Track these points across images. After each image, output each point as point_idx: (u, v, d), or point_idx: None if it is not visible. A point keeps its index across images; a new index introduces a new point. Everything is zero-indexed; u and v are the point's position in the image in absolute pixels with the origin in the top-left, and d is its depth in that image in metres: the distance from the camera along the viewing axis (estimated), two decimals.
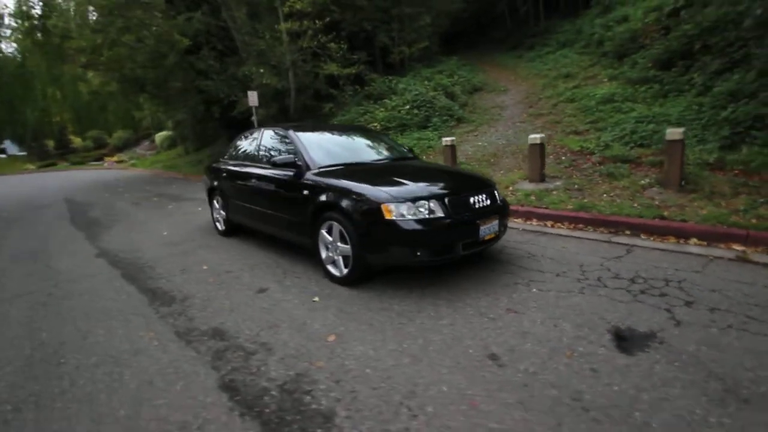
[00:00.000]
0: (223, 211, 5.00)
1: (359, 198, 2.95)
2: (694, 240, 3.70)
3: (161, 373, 2.14)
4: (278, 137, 4.14)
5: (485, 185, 3.34)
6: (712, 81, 7.76)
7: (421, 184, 3.07)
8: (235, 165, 4.74)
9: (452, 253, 2.94)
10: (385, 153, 4.19)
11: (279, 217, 3.85)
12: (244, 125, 15.38)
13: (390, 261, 2.96)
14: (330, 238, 3.22)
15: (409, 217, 2.81)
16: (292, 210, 3.63)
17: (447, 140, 7.34)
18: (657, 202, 4.49)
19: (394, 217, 2.80)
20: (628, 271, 3.13)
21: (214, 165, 5.30)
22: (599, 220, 4.35)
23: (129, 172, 21.72)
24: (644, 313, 2.47)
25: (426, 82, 13.51)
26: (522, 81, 14.55)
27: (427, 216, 2.84)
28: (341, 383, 1.95)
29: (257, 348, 2.33)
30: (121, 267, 4.10)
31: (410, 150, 4.62)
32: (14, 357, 2.44)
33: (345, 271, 3.14)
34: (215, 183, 5.12)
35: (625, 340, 2.18)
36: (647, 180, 5.15)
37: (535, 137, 5.96)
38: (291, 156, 3.63)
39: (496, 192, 3.37)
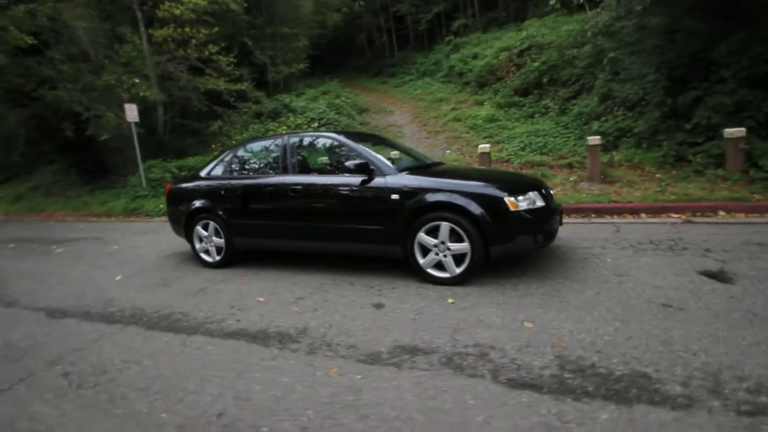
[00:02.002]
0: (219, 237, 4.16)
1: (482, 195, 3.05)
2: (643, 214, 5.02)
3: (449, 400, 1.85)
4: (322, 143, 3.80)
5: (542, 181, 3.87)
6: (564, 105, 10.34)
7: (514, 180, 3.37)
8: (245, 179, 4.06)
9: (554, 238, 3.33)
10: (421, 158, 4.31)
11: (345, 228, 3.52)
12: (95, 147, 12.47)
13: (512, 251, 3.15)
14: (434, 240, 3.19)
15: (527, 207, 3.08)
16: (370, 218, 3.40)
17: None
18: (597, 191, 5.84)
19: (518, 209, 3.03)
20: (641, 238, 4.07)
21: (193, 185, 4.38)
22: (570, 208, 5.39)
23: None
24: (697, 260, 3.32)
25: (321, 101, 13.60)
26: (401, 104, 16.07)
27: (538, 206, 3.16)
28: (625, 357, 2.06)
29: (483, 350, 2.21)
30: (128, 321, 3.04)
31: None
32: None
33: (457, 270, 3.15)
34: (200, 206, 4.22)
35: (716, 277, 2.95)
36: (574, 177, 6.61)
37: (485, 146, 6.91)
38: (363, 160, 3.41)
39: None
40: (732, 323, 2.28)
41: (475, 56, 15.74)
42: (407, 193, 3.24)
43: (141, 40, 10.80)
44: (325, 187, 3.60)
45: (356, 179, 3.45)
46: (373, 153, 3.56)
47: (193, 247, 4.38)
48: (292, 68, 15.84)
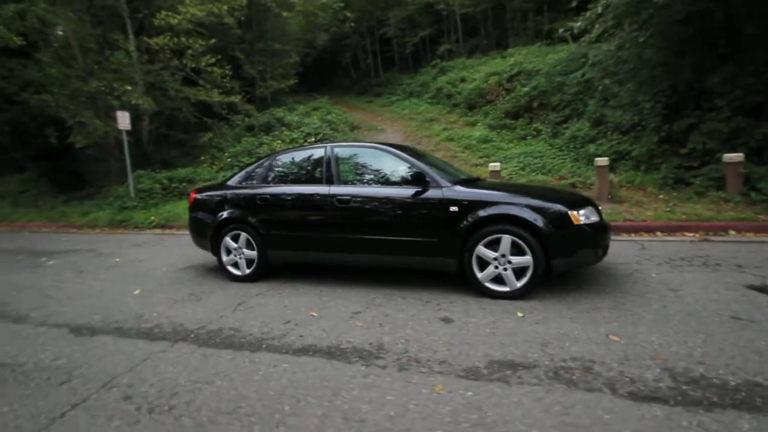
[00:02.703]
0: (251, 249, 3.95)
1: (545, 208, 3.07)
2: (659, 233, 5.22)
3: (581, 415, 1.77)
4: (367, 153, 3.74)
5: None
6: (555, 129, 10.78)
7: (569, 194, 3.42)
8: (285, 188, 3.91)
9: (607, 252, 3.38)
10: (457, 173, 4.31)
11: (395, 241, 3.42)
12: (72, 155, 11.78)
13: (574, 264, 3.17)
14: (494, 254, 3.15)
15: (587, 221, 3.12)
16: (424, 230, 3.32)
17: None
18: (609, 211, 6.04)
19: (580, 222, 3.06)
20: (670, 255, 4.21)
21: (222, 193, 4.16)
22: None
23: None
24: (736, 276, 3.46)
25: (314, 117, 13.54)
26: (391, 122, 16.25)
27: (594, 220, 3.21)
28: (729, 368, 2.06)
29: (584, 364, 2.16)
30: (173, 338, 2.78)
31: None
32: None
33: (518, 284, 3.12)
34: (230, 216, 4.01)
35: (765, 291, 3.07)
36: None
37: (495, 164, 7.04)
38: (418, 171, 3.37)
39: None
40: None
41: (463, 79, 16.21)
42: (467, 206, 3.21)
43: (131, 48, 10.45)
44: (375, 198, 3.51)
45: (408, 191, 3.40)
46: (425, 165, 3.52)
47: (219, 259, 4.12)
48: (281, 84, 15.76)
